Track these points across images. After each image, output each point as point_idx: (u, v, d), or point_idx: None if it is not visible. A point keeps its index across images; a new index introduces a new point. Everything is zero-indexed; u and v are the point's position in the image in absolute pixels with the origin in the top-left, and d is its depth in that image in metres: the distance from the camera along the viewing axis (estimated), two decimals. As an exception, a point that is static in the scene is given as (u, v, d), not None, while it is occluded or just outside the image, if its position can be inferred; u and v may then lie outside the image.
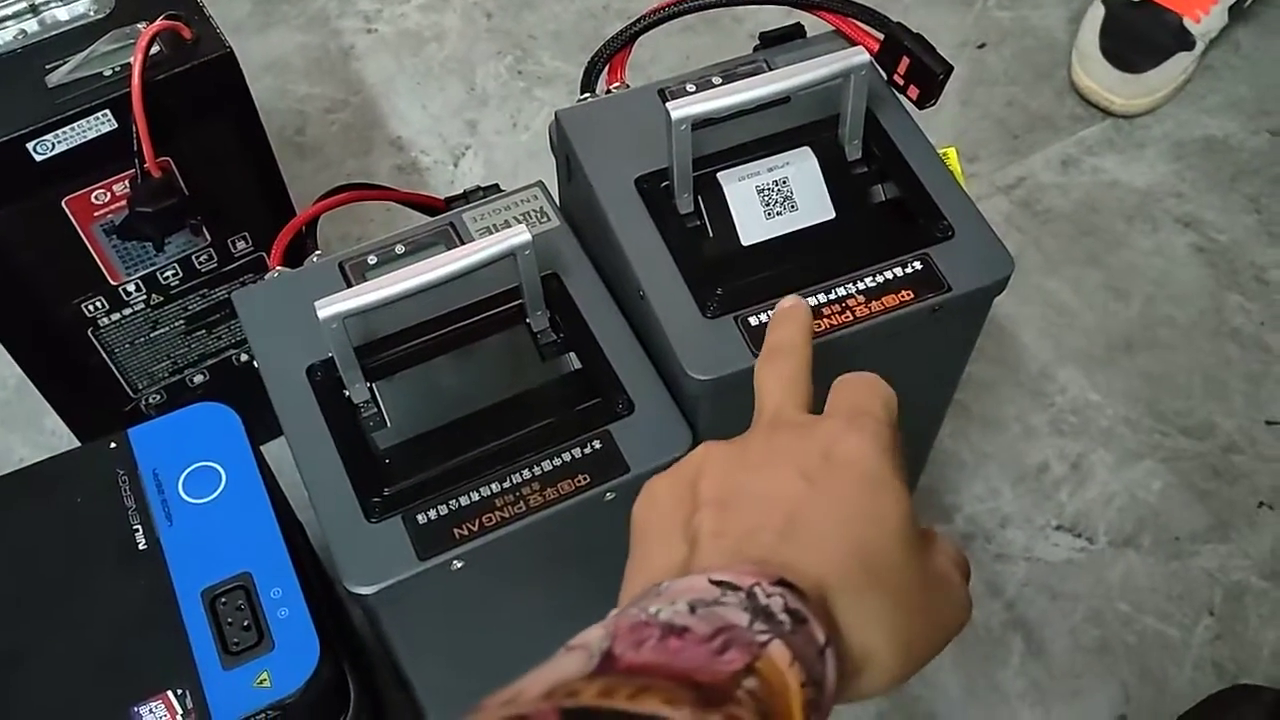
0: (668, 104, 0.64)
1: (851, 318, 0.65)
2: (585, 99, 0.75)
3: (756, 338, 0.64)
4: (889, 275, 0.66)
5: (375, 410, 0.66)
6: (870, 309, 0.65)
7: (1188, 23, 1.23)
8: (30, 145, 0.71)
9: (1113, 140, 1.25)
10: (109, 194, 0.77)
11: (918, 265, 0.66)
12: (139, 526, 0.64)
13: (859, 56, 0.66)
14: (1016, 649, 0.97)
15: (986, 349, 1.12)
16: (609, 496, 0.63)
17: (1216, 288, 1.15)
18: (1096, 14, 1.27)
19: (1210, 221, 1.19)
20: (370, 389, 0.66)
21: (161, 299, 0.86)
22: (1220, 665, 0.95)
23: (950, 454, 1.06)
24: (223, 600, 0.62)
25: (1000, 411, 1.09)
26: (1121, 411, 1.08)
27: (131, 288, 0.84)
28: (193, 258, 0.85)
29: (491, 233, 0.70)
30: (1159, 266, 1.17)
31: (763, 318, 0.64)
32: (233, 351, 0.95)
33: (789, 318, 0.51)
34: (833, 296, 0.65)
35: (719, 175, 0.69)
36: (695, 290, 0.65)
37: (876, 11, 0.72)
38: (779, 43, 0.75)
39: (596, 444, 0.64)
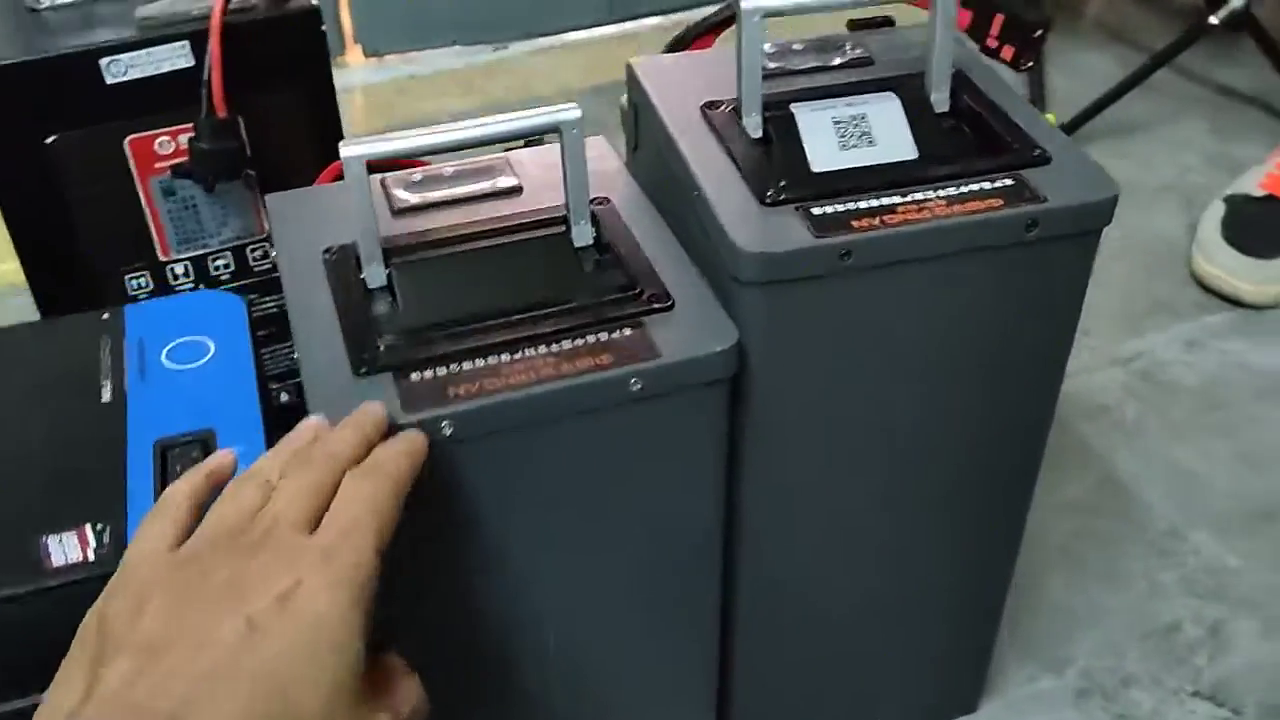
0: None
1: (929, 215, 0.57)
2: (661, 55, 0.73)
3: (822, 226, 0.56)
4: (976, 187, 0.59)
5: (389, 296, 0.59)
6: (952, 210, 0.57)
7: (1315, 214, 1.18)
8: (104, 63, 0.72)
9: (1240, 328, 1.16)
10: (174, 144, 0.76)
11: (1008, 181, 0.59)
12: (107, 383, 0.57)
13: (948, -19, 0.62)
14: (1147, 825, 0.77)
15: (1104, 505, 0.99)
16: (635, 384, 0.54)
17: (1368, 465, 1.01)
18: (1217, 210, 1.23)
19: (1354, 402, 1.07)
20: (388, 275, 0.59)
21: (208, 294, 0.83)
22: None
23: (1062, 606, 0.91)
24: (176, 451, 0.53)
25: (1122, 567, 0.94)
26: (1266, 579, 0.92)
27: (180, 270, 0.81)
28: (247, 251, 0.82)
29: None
30: (1298, 441, 1.04)
31: (829, 209, 0.57)
32: (274, 385, 0.89)
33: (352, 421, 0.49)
34: (911, 199, 0.58)
35: (792, 107, 0.64)
36: (753, 184, 0.59)
37: (968, -11, 0.70)
38: (867, 29, 0.73)
39: (627, 330, 0.56)
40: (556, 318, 0.56)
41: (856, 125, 0.63)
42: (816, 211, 0.57)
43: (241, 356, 0.59)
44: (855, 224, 0.56)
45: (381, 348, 0.54)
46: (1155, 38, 1.59)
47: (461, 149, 0.58)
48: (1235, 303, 1.18)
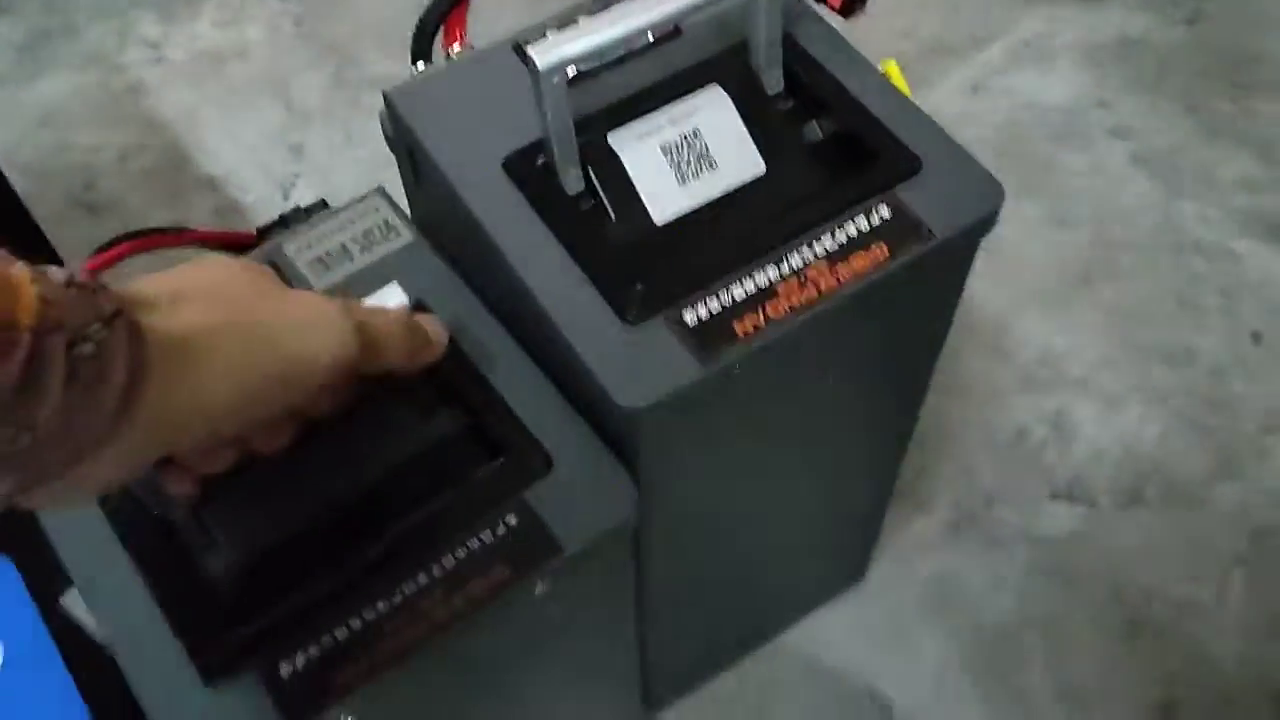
0: (530, 50, 0.47)
1: (817, 293, 0.49)
2: (420, 71, 0.58)
3: (700, 341, 0.47)
4: (854, 230, 0.50)
5: (202, 532, 0.47)
6: (839, 277, 0.49)
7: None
8: None
9: (1018, 55, 1.12)
10: None
11: (886, 212, 0.51)
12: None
13: (766, -46, 0.50)
14: (1035, 647, 0.82)
15: (931, 308, 0.98)
16: (540, 588, 0.47)
17: (1166, 197, 1.03)
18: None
19: (1143, 128, 1.07)
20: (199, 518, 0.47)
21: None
22: (1269, 622, 0.82)
23: (915, 434, 0.92)
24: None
25: (961, 377, 0.95)
26: (1094, 353, 0.95)
27: None
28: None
29: (326, 266, 0.54)
30: (1100, 186, 1.04)
31: (702, 312, 0.48)
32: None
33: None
34: (788, 269, 0.49)
35: (610, 139, 0.52)
36: (606, 291, 0.49)
37: (771, -96, 0.57)
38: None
39: (512, 519, 0.47)
40: (429, 541, 0.46)
41: (690, 147, 0.52)
42: (690, 319, 0.48)
43: (43, 652, 0.48)
44: (737, 327, 0.48)
45: (227, 646, 0.44)
46: None
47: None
48: None
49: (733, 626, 0.80)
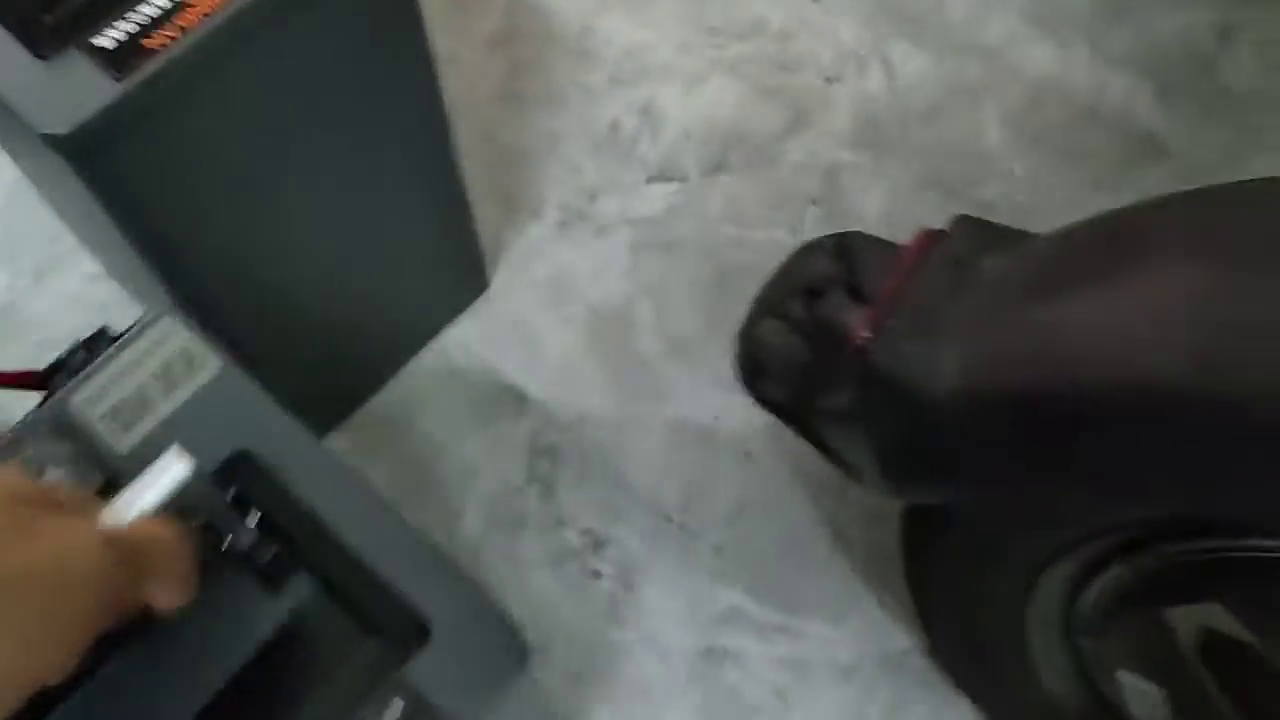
0: None
1: (179, 33, 0.52)
2: None
3: (114, 61, 0.51)
4: (254, -64, 0.54)
5: None
6: (201, 10, 0.52)
7: None
8: None
9: None
10: None
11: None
12: None
13: None
14: (645, 315, 0.91)
15: (520, 27, 1.02)
16: None
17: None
18: None
19: None
20: None
21: None
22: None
23: (517, 147, 0.97)
24: None
25: (553, 85, 1.00)
26: (673, 39, 1.01)
27: None
28: None
29: (124, 424, 0.46)
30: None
31: (116, 34, 0.51)
32: None
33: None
34: (159, 11, 0.52)
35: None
36: (16, 30, 0.51)
37: None
38: None
39: (399, 704, 0.41)
40: None
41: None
42: (104, 43, 0.51)
43: None
44: (149, 43, 0.51)
45: None
46: None
47: None
48: None
49: (368, 353, 0.86)
